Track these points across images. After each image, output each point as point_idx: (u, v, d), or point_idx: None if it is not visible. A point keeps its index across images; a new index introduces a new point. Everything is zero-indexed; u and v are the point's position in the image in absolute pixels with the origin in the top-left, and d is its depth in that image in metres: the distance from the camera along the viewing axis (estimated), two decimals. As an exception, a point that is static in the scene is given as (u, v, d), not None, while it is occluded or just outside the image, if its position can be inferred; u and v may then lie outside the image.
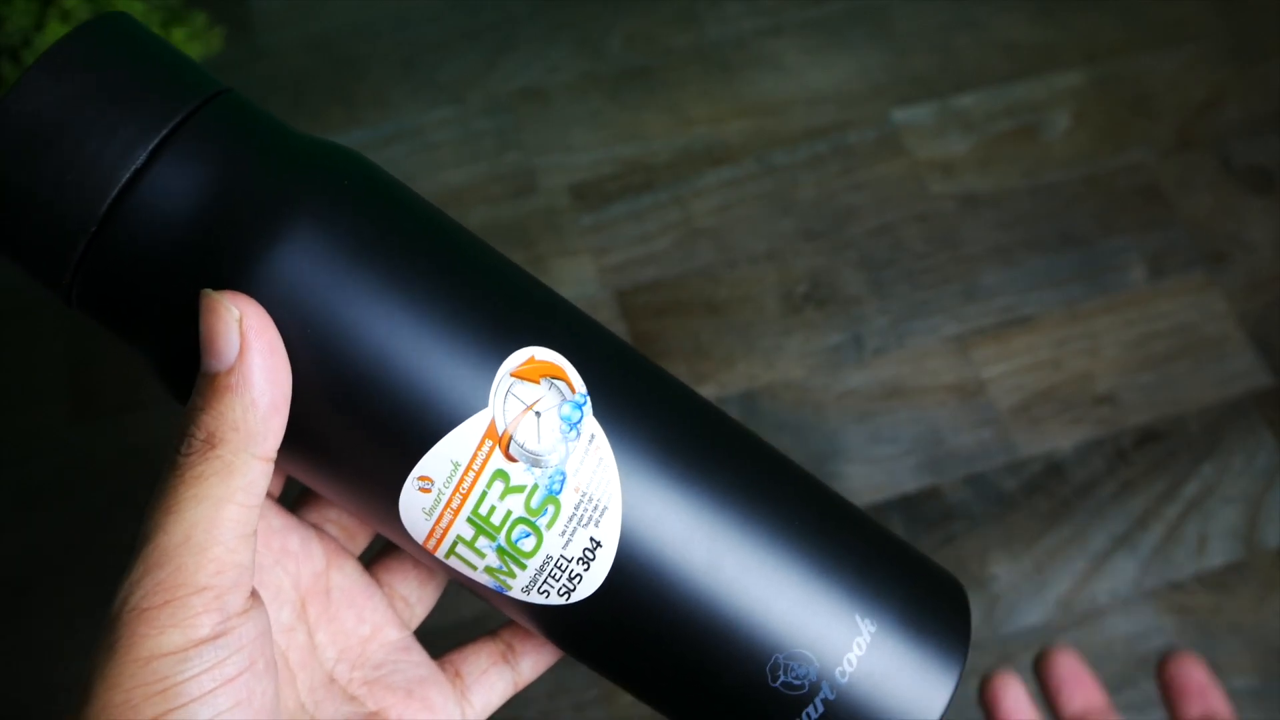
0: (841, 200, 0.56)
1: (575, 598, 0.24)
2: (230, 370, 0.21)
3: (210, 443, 0.21)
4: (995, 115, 0.59)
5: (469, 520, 0.23)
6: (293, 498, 0.28)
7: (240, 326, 0.21)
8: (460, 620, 0.43)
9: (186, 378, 0.22)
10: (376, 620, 0.28)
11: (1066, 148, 0.58)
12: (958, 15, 0.62)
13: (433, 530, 0.23)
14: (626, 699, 0.44)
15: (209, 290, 0.21)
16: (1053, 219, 0.56)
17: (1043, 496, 0.49)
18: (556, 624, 0.25)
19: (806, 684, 0.24)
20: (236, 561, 0.21)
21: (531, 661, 0.29)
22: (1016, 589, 0.47)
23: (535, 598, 0.24)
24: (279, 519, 0.26)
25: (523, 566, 0.24)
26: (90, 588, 0.45)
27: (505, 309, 0.24)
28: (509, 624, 0.30)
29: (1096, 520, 0.48)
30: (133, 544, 0.21)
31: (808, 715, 0.25)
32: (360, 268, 0.22)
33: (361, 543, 0.29)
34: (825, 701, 0.24)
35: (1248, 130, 0.59)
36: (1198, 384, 0.52)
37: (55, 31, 0.47)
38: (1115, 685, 0.45)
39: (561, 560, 0.24)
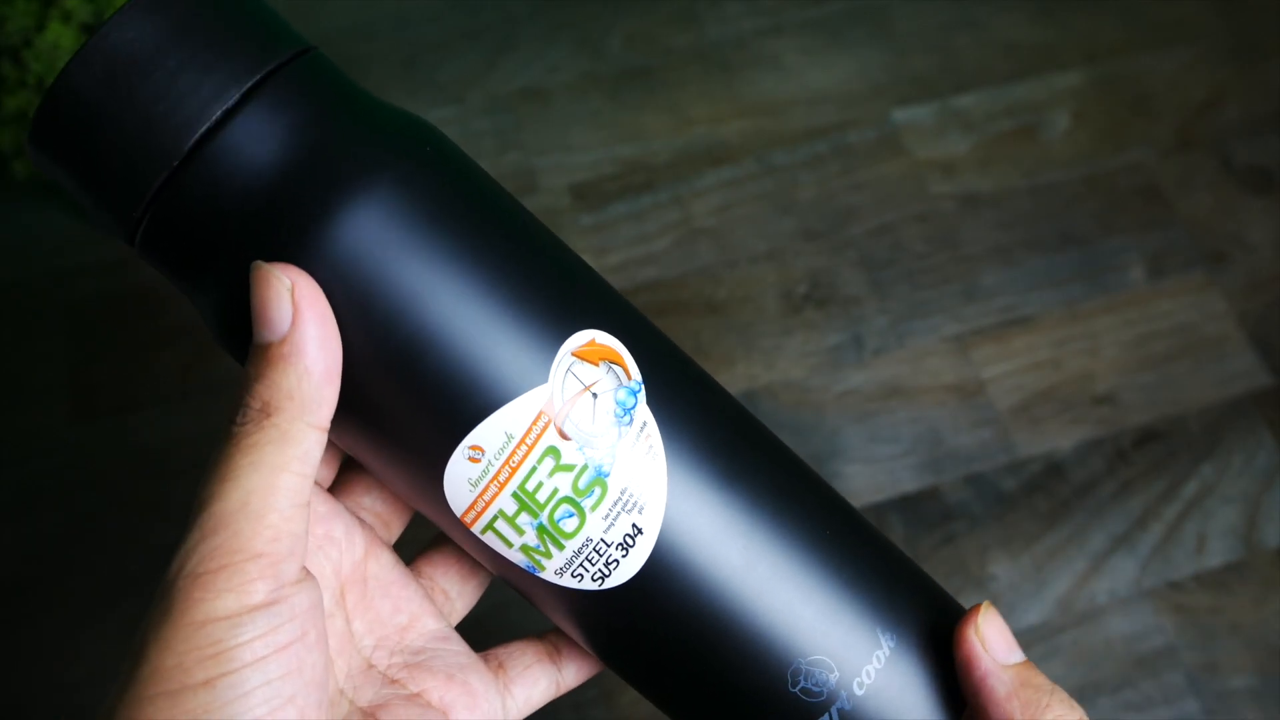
0: (841, 200, 0.56)
1: (609, 584, 0.24)
2: (284, 340, 0.21)
3: (266, 411, 0.21)
4: (995, 115, 0.59)
5: (514, 495, 0.23)
6: (329, 486, 0.29)
7: (292, 296, 0.21)
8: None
9: (242, 330, 0.22)
10: (414, 610, 0.28)
11: (1066, 148, 0.58)
12: (958, 15, 0.62)
13: (474, 503, 0.23)
14: (626, 699, 0.44)
15: (260, 261, 0.21)
16: (1053, 219, 0.56)
17: (1043, 496, 0.49)
18: (584, 610, 0.25)
19: (825, 692, 0.24)
20: (292, 530, 0.21)
21: (576, 667, 0.29)
22: (1016, 589, 0.47)
23: (568, 581, 0.24)
24: (324, 505, 0.26)
25: (561, 547, 0.24)
26: (90, 588, 0.45)
27: (570, 290, 0.24)
28: (556, 628, 0.29)
29: (1096, 520, 0.48)
30: (185, 517, 0.21)
31: None
32: (438, 233, 0.22)
33: (395, 532, 0.29)
34: (840, 712, 0.25)
35: (1248, 130, 0.59)
36: (1198, 384, 0.52)
37: (56, 32, 0.47)
38: (1114, 685, 0.45)
39: (601, 544, 0.24)
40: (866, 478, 0.49)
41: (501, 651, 0.29)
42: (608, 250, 0.54)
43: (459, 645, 0.28)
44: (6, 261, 0.54)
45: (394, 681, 0.26)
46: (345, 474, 0.29)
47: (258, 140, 0.22)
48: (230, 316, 0.23)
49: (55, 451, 0.49)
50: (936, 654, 0.26)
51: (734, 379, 0.51)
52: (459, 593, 0.29)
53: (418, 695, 0.26)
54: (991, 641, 0.25)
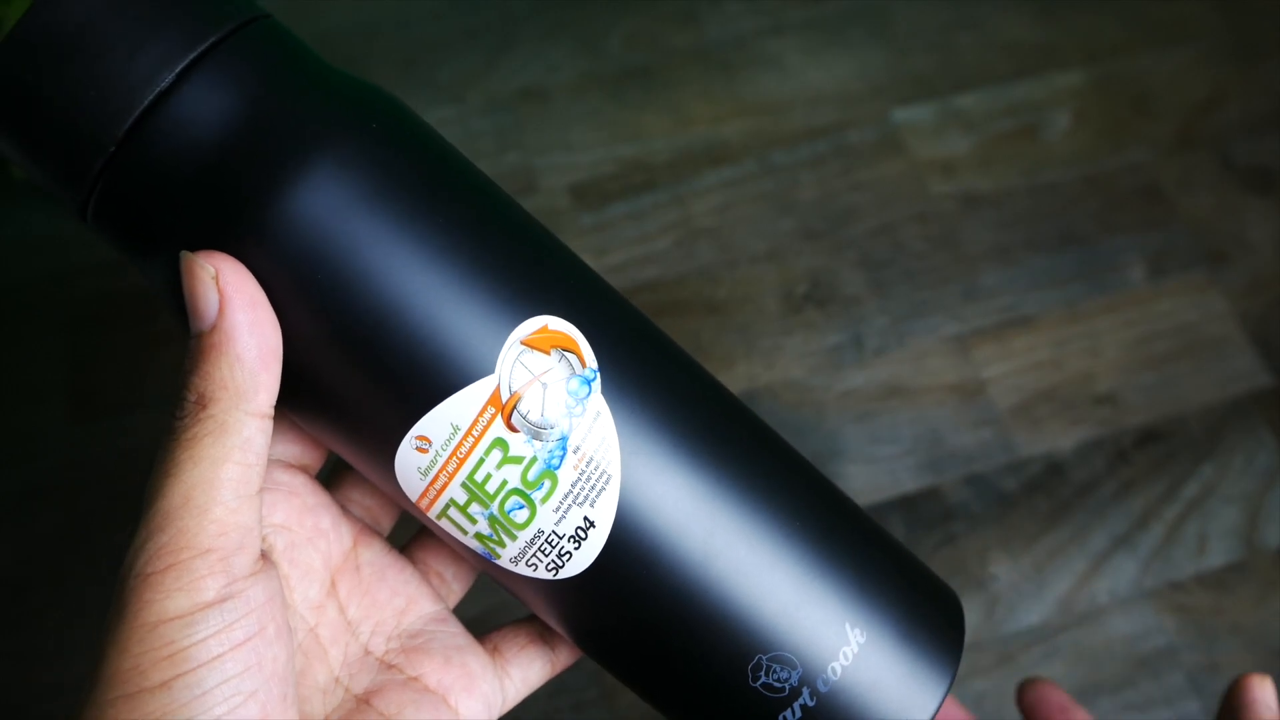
0: (841, 200, 0.56)
1: (563, 574, 0.24)
2: (213, 329, 0.21)
3: (201, 403, 0.21)
4: (995, 115, 0.59)
5: (463, 485, 0.23)
6: (320, 479, 0.28)
7: (217, 283, 0.21)
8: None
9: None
10: (410, 593, 0.27)
11: (1066, 147, 0.58)
12: (958, 15, 0.62)
13: (426, 490, 0.23)
14: (627, 699, 0.44)
15: (186, 251, 0.21)
16: (1053, 219, 0.56)
17: (1043, 496, 0.49)
18: (543, 596, 0.25)
19: (787, 688, 0.24)
20: (239, 522, 0.21)
21: (569, 648, 0.29)
22: (1016, 589, 0.47)
23: (523, 569, 0.24)
24: (313, 497, 0.26)
25: (513, 538, 0.23)
26: (90, 588, 0.45)
27: (524, 273, 0.23)
28: None
29: (1096, 520, 0.48)
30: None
31: (784, 718, 0.24)
32: (378, 215, 0.21)
33: (387, 525, 0.29)
34: (804, 708, 0.24)
35: (1248, 130, 0.59)
36: (1198, 384, 0.52)
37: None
38: (1115, 685, 0.45)
39: (553, 536, 0.23)
40: (866, 478, 0.49)
41: (496, 636, 0.28)
42: (608, 250, 0.54)
43: (456, 627, 0.28)
44: (6, 261, 0.54)
45: (391, 666, 0.26)
46: (335, 472, 0.28)
47: (200, 115, 0.21)
48: (179, 296, 0.22)
49: (55, 451, 0.49)
50: (913, 648, 0.25)
51: (734, 379, 0.51)
52: (454, 575, 0.29)
53: (415, 679, 0.26)
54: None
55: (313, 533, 0.26)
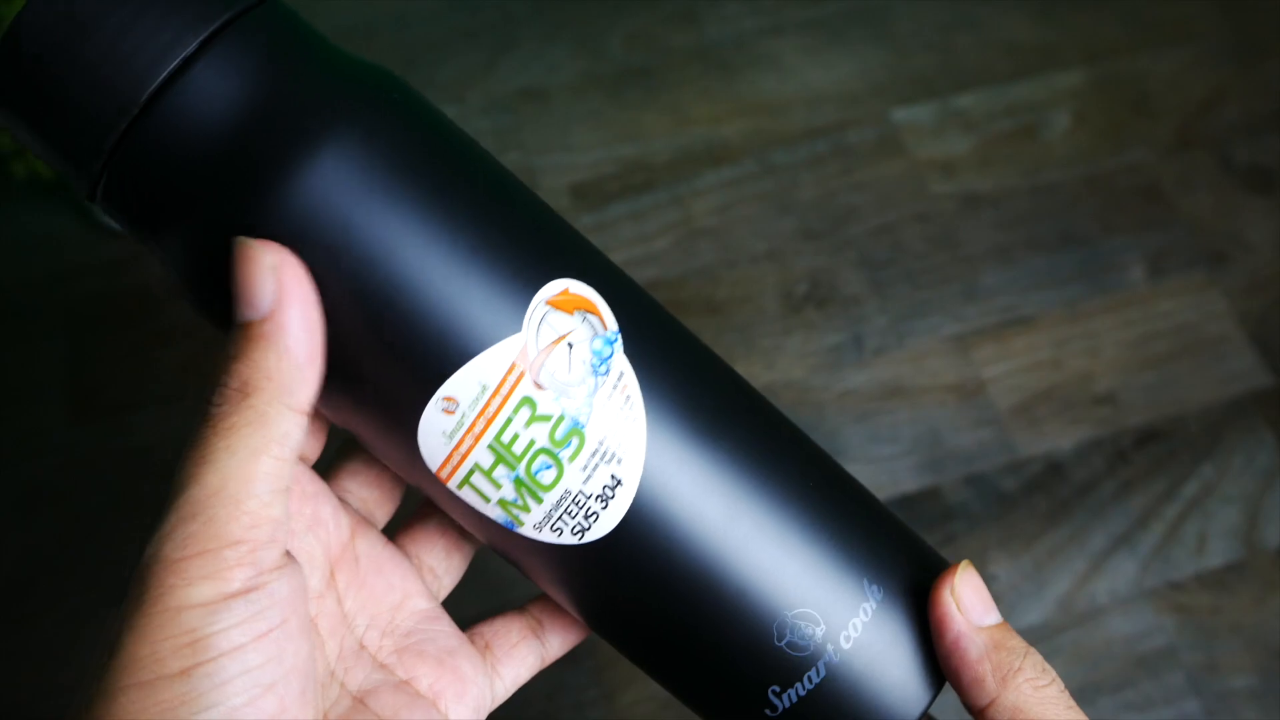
0: (841, 200, 0.56)
1: (589, 538, 0.23)
2: (266, 319, 0.21)
3: (244, 392, 0.21)
4: (995, 115, 0.59)
5: (490, 447, 0.23)
6: (317, 470, 0.28)
7: (277, 276, 0.21)
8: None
9: (206, 284, 0.22)
10: (405, 588, 0.27)
11: (1066, 148, 0.58)
12: (958, 15, 0.62)
13: (450, 456, 0.23)
14: (627, 699, 0.44)
15: (244, 238, 0.21)
16: (1053, 219, 0.56)
17: (1043, 496, 0.49)
18: (564, 566, 0.24)
19: (811, 645, 0.24)
20: (271, 516, 0.21)
21: (560, 638, 0.29)
22: (1016, 589, 0.47)
23: (547, 535, 0.24)
24: (312, 485, 0.26)
25: (539, 500, 0.23)
26: (90, 588, 0.45)
27: (545, 239, 0.24)
28: (537, 599, 0.29)
29: (1096, 520, 0.48)
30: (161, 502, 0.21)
31: (809, 679, 0.24)
32: (405, 180, 0.22)
33: (382, 518, 0.29)
34: (828, 665, 0.24)
35: (1248, 130, 0.59)
36: (1198, 384, 0.52)
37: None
38: (1115, 685, 0.45)
39: (580, 496, 0.23)
40: (866, 478, 0.49)
41: (487, 630, 0.28)
42: (608, 250, 0.54)
43: (448, 626, 0.28)
44: (6, 261, 0.54)
45: (383, 666, 0.26)
46: (331, 464, 0.28)
47: (216, 92, 0.21)
48: (192, 271, 0.22)
49: (55, 451, 0.49)
50: (923, 608, 0.25)
51: (734, 379, 0.51)
52: (445, 569, 0.29)
53: (407, 683, 0.26)
54: (966, 602, 0.24)
55: (313, 521, 0.26)
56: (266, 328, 0.21)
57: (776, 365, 0.51)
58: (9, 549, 0.46)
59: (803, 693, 0.24)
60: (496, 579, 0.37)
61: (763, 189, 0.56)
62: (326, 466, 0.28)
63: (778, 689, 0.24)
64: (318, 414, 0.26)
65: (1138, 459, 0.50)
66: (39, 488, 0.48)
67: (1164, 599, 0.47)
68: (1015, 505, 0.48)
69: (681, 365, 0.25)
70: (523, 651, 0.28)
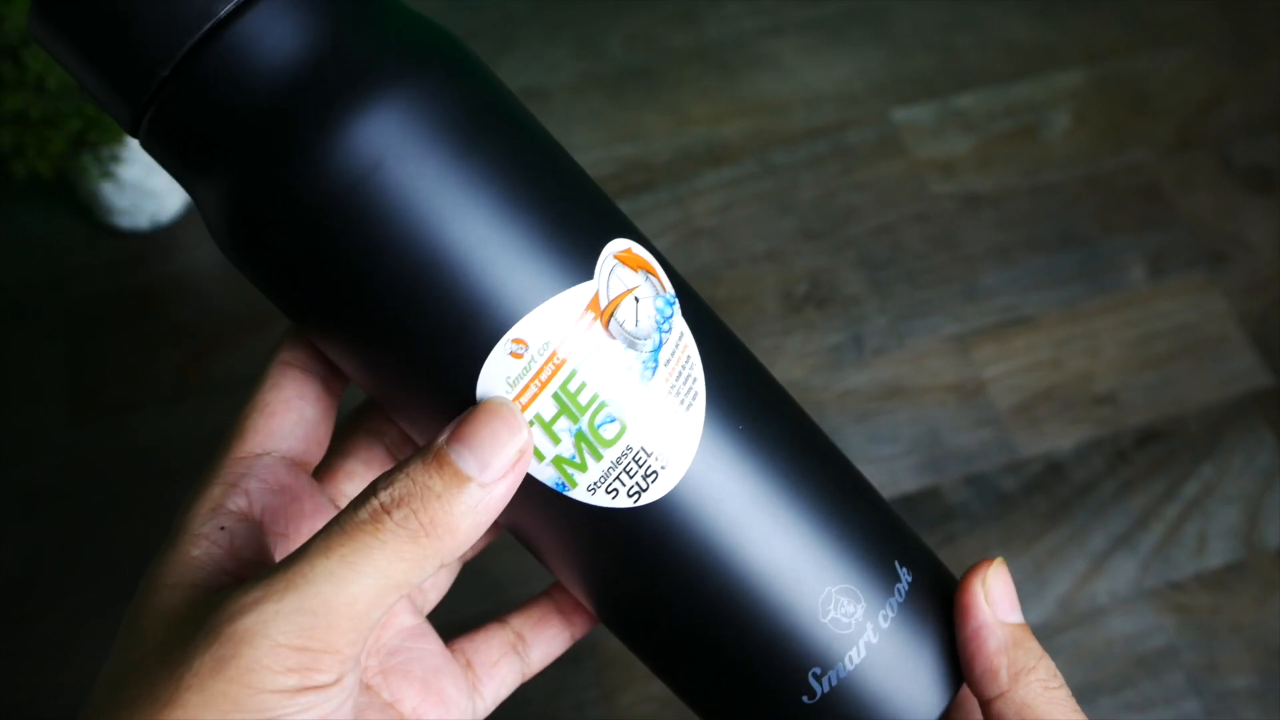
0: (841, 200, 0.56)
1: (645, 500, 0.23)
2: (485, 485, 0.20)
3: (426, 532, 0.20)
4: (995, 115, 0.59)
5: (555, 396, 0.22)
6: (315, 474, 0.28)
7: (520, 457, 0.21)
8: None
9: (245, 227, 0.21)
10: None
11: (1066, 148, 0.58)
12: (958, 15, 0.62)
13: None
14: (627, 699, 0.44)
15: (503, 399, 0.21)
16: (1053, 219, 0.56)
17: (1043, 496, 0.49)
18: (608, 538, 0.24)
19: (852, 623, 0.24)
20: (371, 638, 0.21)
21: (541, 651, 0.29)
22: (1016, 589, 0.47)
23: (600, 498, 0.23)
24: (311, 502, 0.26)
25: (598, 457, 0.22)
26: (90, 588, 0.45)
27: (604, 199, 0.24)
28: (518, 611, 0.29)
29: (1096, 520, 0.48)
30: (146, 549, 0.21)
31: (850, 659, 0.24)
32: (488, 125, 0.22)
33: None
34: (868, 645, 0.24)
35: (1248, 130, 0.59)
36: (1198, 384, 0.52)
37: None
38: (1115, 685, 0.45)
39: (641, 453, 0.22)
40: (867, 477, 0.49)
41: (468, 646, 0.28)
42: (608, 250, 0.54)
43: (433, 644, 0.28)
44: (6, 261, 0.54)
45: (369, 688, 0.26)
46: (330, 461, 0.28)
47: (280, 30, 0.20)
48: (231, 217, 0.21)
49: (55, 451, 0.49)
50: (945, 600, 0.26)
51: (734, 379, 0.51)
52: (431, 583, 0.29)
53: (391, 705, 0.26)
54: (995, 595, 0.25)
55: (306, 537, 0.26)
56: (479, 494, 0.20)
57: (776, 365, 0.51)
58: (9, 549, 0.46)
59: (843, 674, 0.24)
60: (488, 579, 0.37)
61: (763, 189, 0.56)
62: (322, 466, 0.28)
63: (818, 671, 0.24)
64: (330, 399, 0.26)
65: (1138, 459, 0.50)
66: (39, 488, 0.48)
67: (1164, 599, 0.47)
68: (1015, 505, 0.48)
69: (729, 339, 0.25)
70: (503, 670, 0.28)
